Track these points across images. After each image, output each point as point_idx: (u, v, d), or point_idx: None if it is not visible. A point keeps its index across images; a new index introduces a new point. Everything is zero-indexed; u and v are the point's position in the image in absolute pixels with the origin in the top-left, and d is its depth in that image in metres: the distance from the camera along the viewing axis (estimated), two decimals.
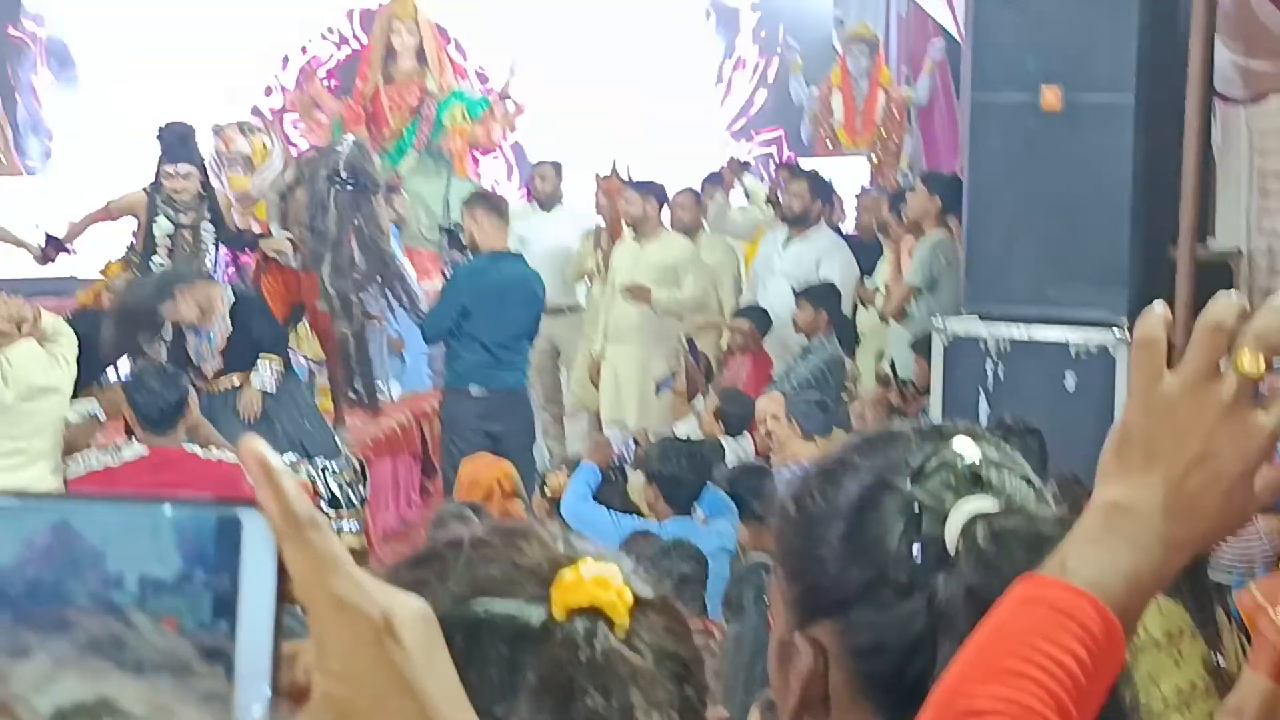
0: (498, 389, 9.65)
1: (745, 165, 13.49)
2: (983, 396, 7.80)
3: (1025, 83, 7.69)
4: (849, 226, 12.49)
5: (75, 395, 9.53)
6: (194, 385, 8.04)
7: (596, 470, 7.69)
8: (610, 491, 7.65)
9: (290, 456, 8.75)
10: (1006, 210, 7.86)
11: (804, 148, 14.41)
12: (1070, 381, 7.59)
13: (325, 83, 14.61)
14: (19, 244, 10.97)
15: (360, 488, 8.99)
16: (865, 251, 11.53)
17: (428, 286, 11.30)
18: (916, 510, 1.61)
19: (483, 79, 14.75)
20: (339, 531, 8.02)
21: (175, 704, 0.92)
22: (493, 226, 9.79)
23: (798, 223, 11.24)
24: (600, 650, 1.34)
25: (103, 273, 10.33)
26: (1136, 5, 7.49)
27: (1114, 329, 7.45)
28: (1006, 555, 1.55)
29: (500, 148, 14.50)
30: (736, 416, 9.11)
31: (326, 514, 7.76)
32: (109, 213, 10.47)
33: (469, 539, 1.42)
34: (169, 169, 9.70)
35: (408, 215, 12.83)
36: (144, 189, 10.04)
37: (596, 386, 11.20)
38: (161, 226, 9.74)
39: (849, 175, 13.55)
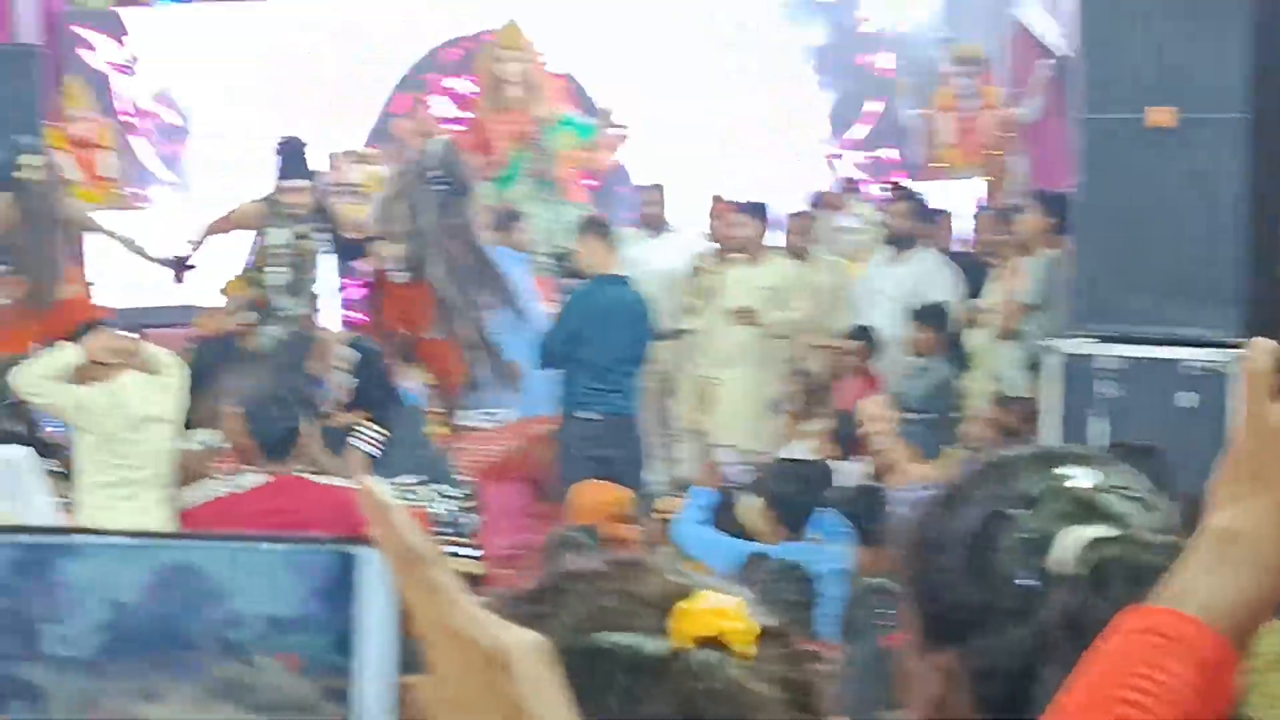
0: (609, 413, 9.66)
1: (855, 185, 13.44)
2: (1094, 416, 7.75)
3: (1135, 101, 7.65)
4: (964, 245, 12.41)
5: (195, 424, 9.66)
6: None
7: (709, 494, 7.69)
8: (723, 515, 7.65)
9: (408, 478, 8.80)
10: (1118, 229, 7.81)
11: (913, 169, 14.36)
12: (1182, 401, 7.52)
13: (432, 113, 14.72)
14: (152, 259, 11.10)
15: (474, 512, 9.03)
16: (975, 272, 11.47)
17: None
18: (1029, 538, 1.62)
19: (589, 106, 14.79)
20: (454, 556, 8.07)
21: None
22: (602, 251, 9.81)
23: (901, 244, 11.19)
24: (724, 680, 1.34)
25: (224, 292, 10.46)
26: (1246, 22, 7.44)
27: (1226, 348, 7.38)
28: (1115, 582, 1.55)
29: (606, 172, 14.54)
30: (849, 438, 9.08)
31: (441, 535, 7.80)
32: (228, 223, 10.61)
33: (586, 571, 1.43)
34: (284, 184, 9.82)
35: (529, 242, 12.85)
36: (260, 201, 10.18)
37: (707, 410, 11.20)
38: (276, 237, 9.85)
39: (958, 196, 13.50)
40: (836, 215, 12.86)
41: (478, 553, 8.72)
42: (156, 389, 7.63)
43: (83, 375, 7.56)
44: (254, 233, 10.25)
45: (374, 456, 8.54)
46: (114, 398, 7.48)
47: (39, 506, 7.46)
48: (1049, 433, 7.97)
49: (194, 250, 10.72)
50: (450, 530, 8.64)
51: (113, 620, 1.01)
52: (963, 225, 12.69)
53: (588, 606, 1.39)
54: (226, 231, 10.73)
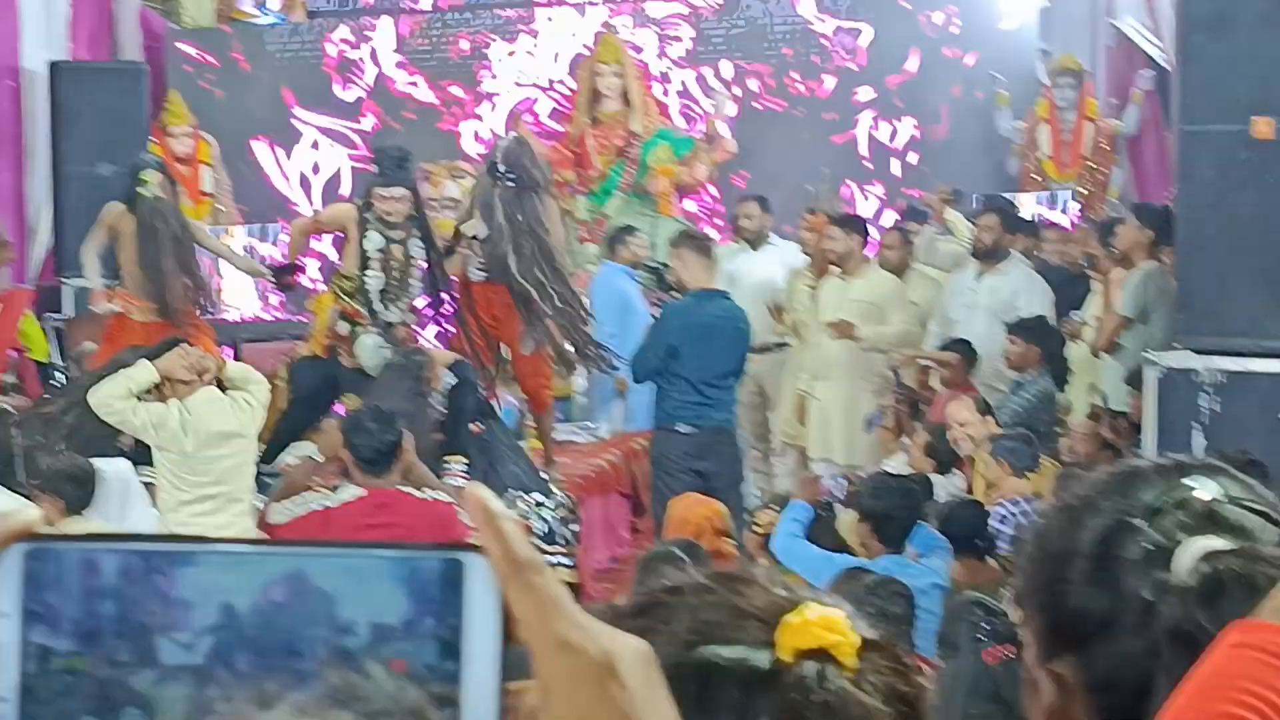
0: (706, 427, 9.65)
1: (956, 194, 13.40)
2: (1197, 430, 7.68)
3: (1236, 112, 7.58)
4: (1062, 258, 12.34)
5: (297, 439, 9.75)
6: None
7: (807, 508, 7.67)
8: (821, 529, 7.63)
9: (507, 493, 8.83)
10: (1219, 241, 7.74)
11: (1011, 181, 14.29)
12: None
13: (532, 127, 14.78)
14: (258, 273, 11.20)
15: (572, 525, 9.06)
16: (1073, 285, 11.40)
17: None
18: (1151, 549, 1.62)
19: (689, 119, 14.82)
20: (553, 567, 8.08)
21: None
22: (699, 265, 9.79)
23: (988, 257, 11.11)
24: (831, 692, 1.35)
25: (313, 309, 10.52)
26: None
27: None
28: (1229, 595, 1.55)
29: (705, 186, 14.55)
30: (947, 452, 9.06)
31: (539, 548, 7.82)
32: (319, 225, 10.68)
33: (690, 585, 1.43)
34: (382, 191, 9.86)
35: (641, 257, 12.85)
36: (354, 203, 10.24)
37: (803, 423, 11.18)
38: (373, 241, 9.90)
39: (1057, 208, 13.46)
40: (931, 228, 12.82)
41: (572, 562, 8.76)
42: (234, 405, 7.68)
43: (161, 392, 7.62)
44: (344, 238, 10.31)
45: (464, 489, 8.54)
46: (190, 415, 7.53)
47: (141, 517, 7.55)
48: (1149, 446, 7.91)
49: (288, 255, 10.82)
50: (548, 542, 8.67)
51: (224, 628, 1.02)
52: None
53: (693, 620, 1.40)
54: (317, 233, 10.81)
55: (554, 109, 15.07)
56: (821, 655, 1.36)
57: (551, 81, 15.14)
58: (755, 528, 8.08)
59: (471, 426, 9.41)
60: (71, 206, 13.14)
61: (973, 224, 11.59)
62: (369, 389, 9.17)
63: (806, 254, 11.79)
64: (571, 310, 10.21)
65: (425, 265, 9.97)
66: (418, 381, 9.02)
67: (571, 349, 10.35)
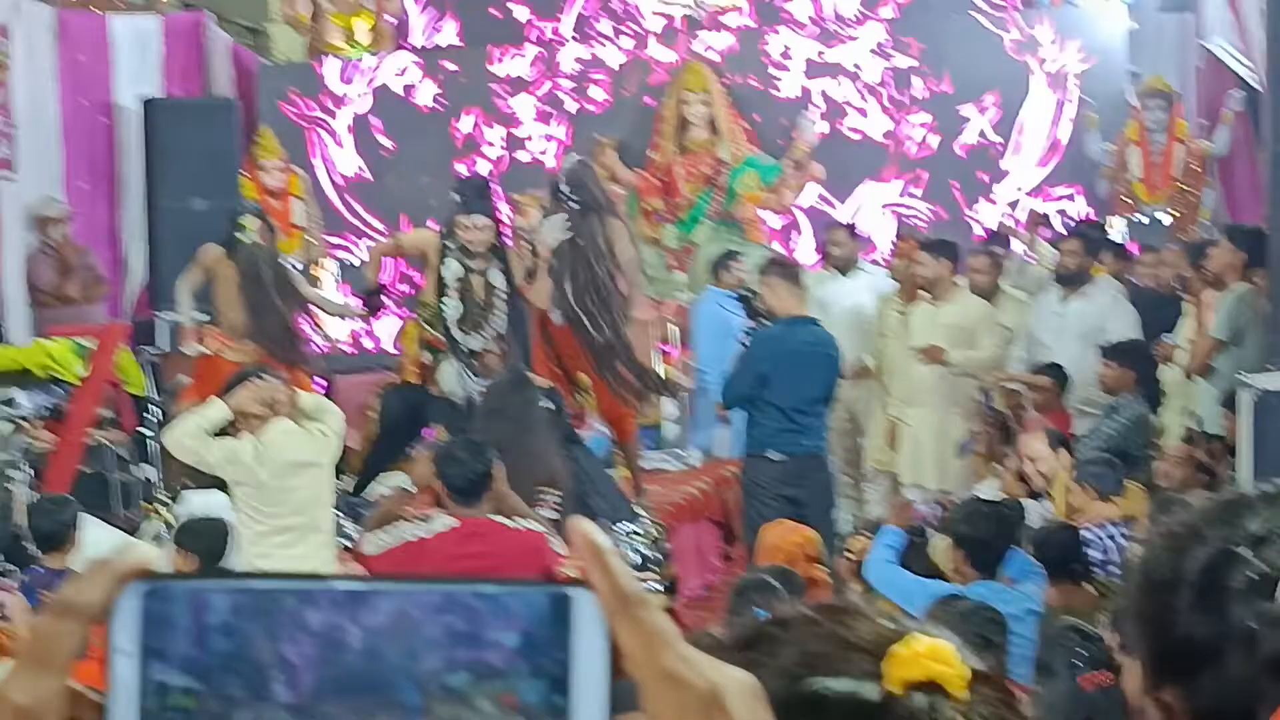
0: (797, 454, 9.64)
1: (1045, 218, 13.34)
2: None
3: None
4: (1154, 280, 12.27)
5: (387, 468, 9.81)
6: None
7: (900, 533, 7.65)
8: (913, 554, 7.61)
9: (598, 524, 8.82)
10: None
11: (1101, 204, 14.21)
12: None
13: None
14: (346, 312, 11.26)
15: (663, 553, 9.07)
16: (1165, 307, 11.33)
17: None
18: (1255, 578, 1.62)
19: (779, 144, 14.82)
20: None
21: None
22: (788, 292, 9.78)
23: (1072, 281, 11.04)
24: None
25: (399, 343, 10.59)
26: None
27: None
28: None
29: (794, 213, 14.55)
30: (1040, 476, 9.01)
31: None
32: (399, 248, 10.74)
33: (796, 616, 1.43)
34: (465, 220, 9.91)
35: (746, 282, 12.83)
36: (434, 231, 10.29)
37: (895, 449, 11.15)
38: (451, 269, 9.95)
39: (1148, 230, 13.38)
40: (1026, 248, 12.77)
41: (664, 588, 8.75)
42: (308, 435, 7.73)
43: (235, 428, 7.68)
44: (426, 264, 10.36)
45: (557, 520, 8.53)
46: (264, 446, 7.59)
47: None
48: (1244, 469, 7.85)
49: (372, 280, 10.87)
50: (639, 570, 8.67)
51: (334, 664, 1.03)
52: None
53: (800, 652, 1.39)
54: (395, 256, 10.87)
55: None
56: (931, 687, 1.35)
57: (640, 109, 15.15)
58: (847, 554, 8.06)
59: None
60: (165, 241, 13.28)
61: (1056, 248, 11.52)
62: (483, 413, 9.18)
63: (895, 279, 11.77)
64: (617, 343, 10.16)
65: (506, 295, 10.01)
66: (527, 393, 9.05)
67: (634, 379, 10.30)
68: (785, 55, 14.87)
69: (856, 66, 14.78)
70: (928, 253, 11.05)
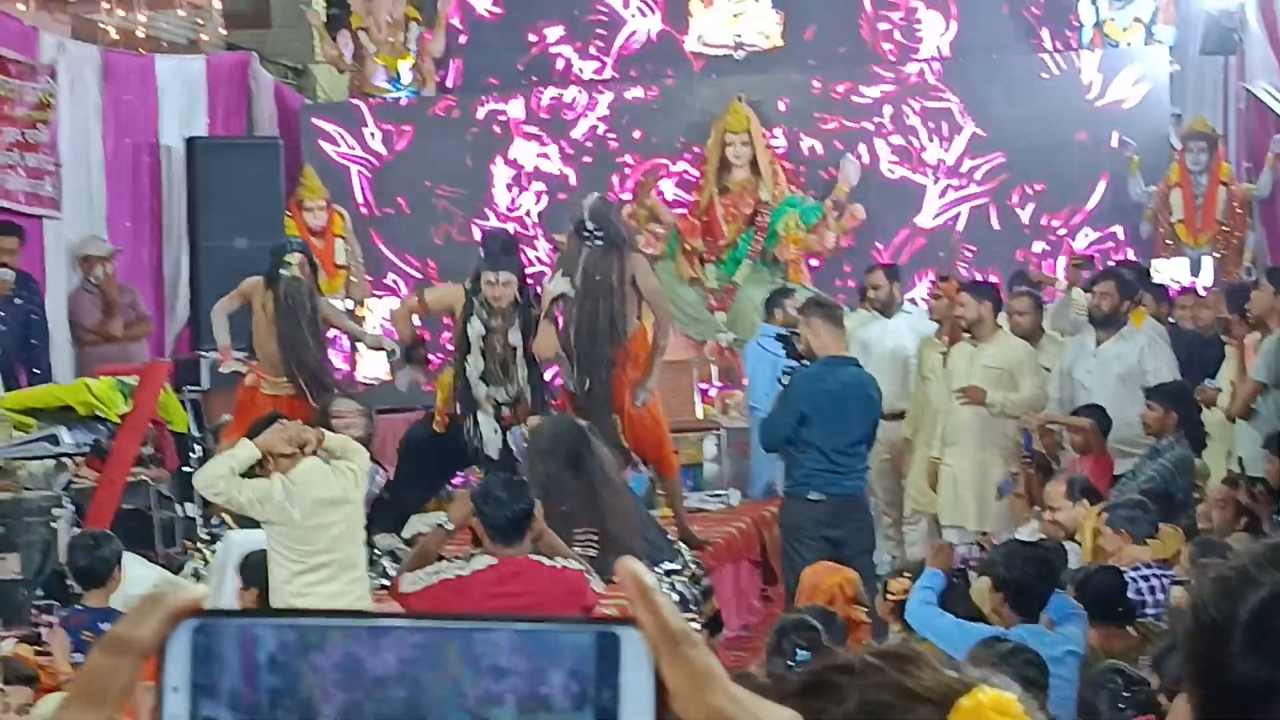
0: (837, 494, 9.60)
1: (1088, 260, 13.33)
2: None
3: None
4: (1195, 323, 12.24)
5: (410, 513, 9.86)
6: None
7: (940, 575, 7.62)
8: (954, 596, 7.58)
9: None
10: None
11: (1143, 246, 14.18)
12: None
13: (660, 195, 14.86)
14: (387, 349, 11.27)
15: (705, 591, 9.05)
16: (1206, 349, 11.29)
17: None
18: None
19: (812, 187, 14.84)
20: None
21: None
22: (829, 333, 9.76)
23: (1106, 324, 10.99)
24: None
25: (437, 386, 10.62)
26: None
27: None
28: None
29: (834, 253, 14.56)
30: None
31: None
32: (424, 307, 10.77)
33: (857, 664, 1.43)
34: (490, 276, 9.94)
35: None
36: (463, 285, 10.31)
37: (935, 490, 11.13)
38: (474, 328, 9.98)
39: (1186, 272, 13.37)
40: (1067, 290, 12.73)
41: (703, 625, 8.73)
42: (337, 472, 7.76)
43: (265, 468, 7.72)
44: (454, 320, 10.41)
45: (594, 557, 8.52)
46: (294, 485, 7.62)
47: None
48: None
49: (406, 335, 10.89)
50: (682, 609, 8.64)
51: (382, 700, 1.04)
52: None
53: (862, 700, 1.39)
54: (423, 314, 10.88)
55: (681, 178, 15.11)
56: None
57: (680, 150, 15.18)
58: (888, 595, 8.03)
59: None
60: (208, 280, 13.35)
61: (1090, 291, 11.48)
62: (532, 454, 9.19)
63: (935, 320, 11.75)
64: (596, 390, 10.12)
65: (525, 353, 10.04)
66: (576, 444, 9.05)
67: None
68: (828, 96, 14.90)
69: (899, 108, 14.80)
70: (969, 294, 11.03)
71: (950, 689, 1.37)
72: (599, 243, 9.99)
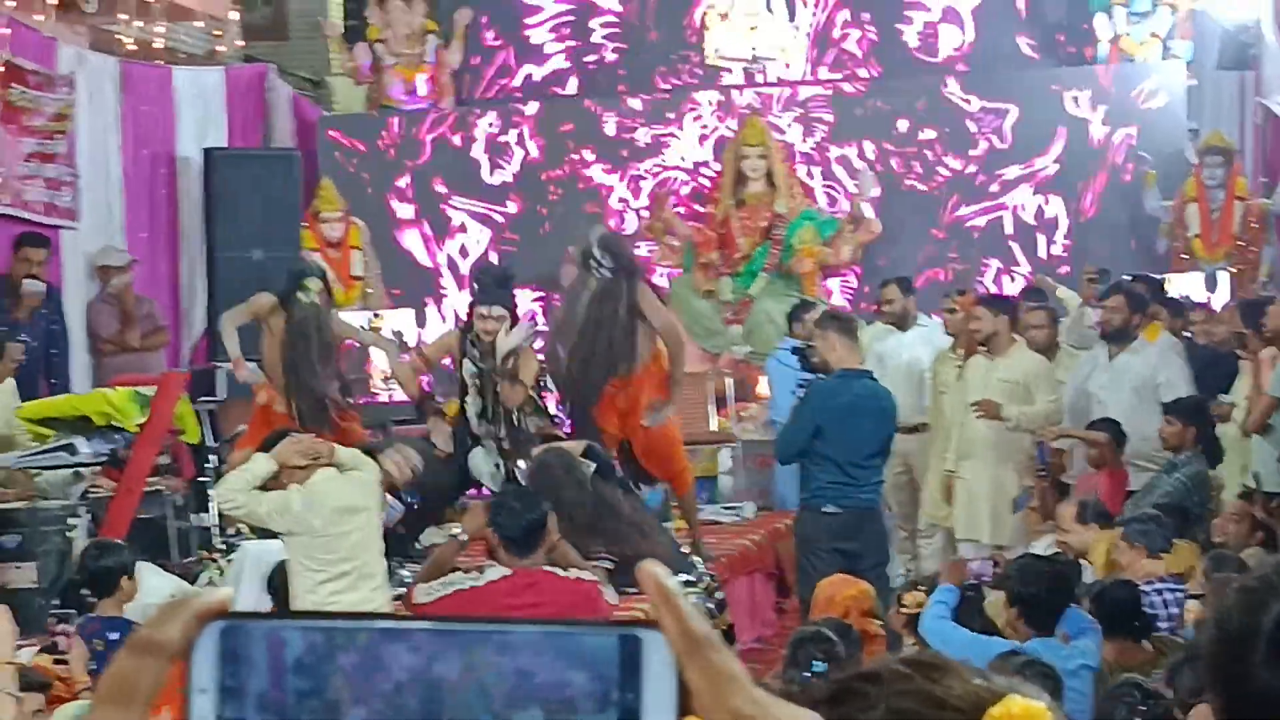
0: (852, 507, 9.60)
1: (1104, 272, 13.31)
2: None
3: None
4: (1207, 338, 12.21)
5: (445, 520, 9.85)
6: None
7: (953, 590, 7.62)
8: (968, 611, 7.57)
9: None
10: None
11: (1159, 261, 14.16)
12: None
13: (676, 208, 14.87)
14: (407, 389, 11.20)
15: (719, 604, 9.05)
16: (1220, 364, 11.28)
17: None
18: None
19: (832, 200, 14.85)
20: None
21: None
22: (844, 346, 9.76)
23: (1117, 338, 10.95)
24: None
25: (447, 411, 10.65)
26: None
27: None
28: None
29: (851, 266, 14.57)
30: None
31: None
32: (425, 359, 10.77)
33: (885, 672, 1.42)
34: (482, 309, 9.92)
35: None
36: (457, 328, 10.33)
37: (950, 504, 11.12)
38: (467, 369, 9.99)
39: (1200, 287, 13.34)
40: (1087, 304, 12.72)
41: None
42: (352, 482, 7.79)
43: (279, 481, 7.74)
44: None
45: (610, 570, 8.50)
46: (312, 495, 7.64)
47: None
48: None
49: (415, 393, 10.86)
50: None
51: (405, 703, 1.05)
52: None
53: (890, 709, 1.38)
54: (426, 369, 10.86)
55: (695, 190, 15.12)
56: None
57: (696, 164, 15.20)
58: (902, 608, 8.02)
59: None
60: (225, 291, 13.34)
61: (1102, 305, 11.45)
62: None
63: (949, 334, 11.74)
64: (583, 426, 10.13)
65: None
66: (571, 471, 9.04)
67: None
68: (843, 109, 14.92)
69: (914, 122, 14.81)
70: (985, 308, 11.03)
71: (979, 698, 1.36)
72: (606, 273, 9.98)
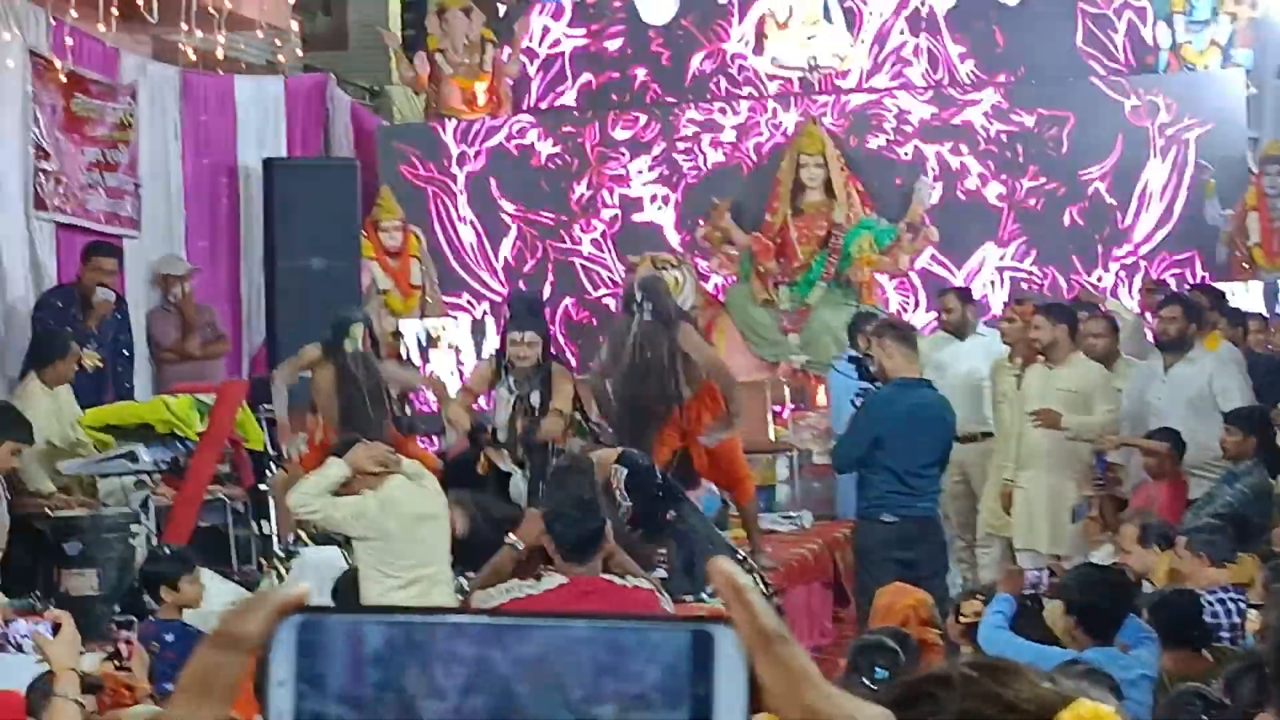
0: (910, 516, 9.59)
1: (1161, 284, 13.23)
2: None
3: None
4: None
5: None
6: None
7: (1011, 600, 7.60)
8: (1026, 620, 7.55)
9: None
10: None
11: (1220, 270, 14.09)
12: None
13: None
14: (460, 426, 11.18)
15: (776, 610, 9.03)
16: (1278, 374, 11.22)
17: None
18: None
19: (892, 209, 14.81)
20: None
21: None
22: (902, 355, 9.75)
23: (1173, 348, 10.89)
24: None
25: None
26: None
27: None
28: None
29: (910, 276, 14.54)
30: (1154, 540, 8.91)
31: None
32: (471, 392, 10.79)
33: (955, 675, 1.43)
34: (515, 335, 9.97)
35: None
36: (491, 359, 10.38)
37: (1008, 513, 11.08)
38: (500, 394, 10.03)
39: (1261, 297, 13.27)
40: (1142, 315, 12.66)
41: None
42: (424, 490, 7.84)
43: (351, 487, 7.79)
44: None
45: (665, 578, 8.48)
46: (388, 500, 7.68)
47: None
48: None
49: (465, 429, 10.87)
50: None
51: (481, 698, 1.07)
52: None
53: (960, 711, 1.39)
54: (474, 400, 10.86)
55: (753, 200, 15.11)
56: None
57: (751, 170, 15.19)
58: (960, 617, 8.01)
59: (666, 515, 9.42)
60: (285, 300, 13.42)
61: (1158, 316, 11.40)
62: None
63: (1006, 343, 11.70)
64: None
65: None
66: (586, 476, 9.05)
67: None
68: (901, 118, 14.89)
69: (973, 130, 14.77)
70: (1044, 316, 10.99)
71: (1048, 702, 1.37)
72: (648, 316, 10.02)
